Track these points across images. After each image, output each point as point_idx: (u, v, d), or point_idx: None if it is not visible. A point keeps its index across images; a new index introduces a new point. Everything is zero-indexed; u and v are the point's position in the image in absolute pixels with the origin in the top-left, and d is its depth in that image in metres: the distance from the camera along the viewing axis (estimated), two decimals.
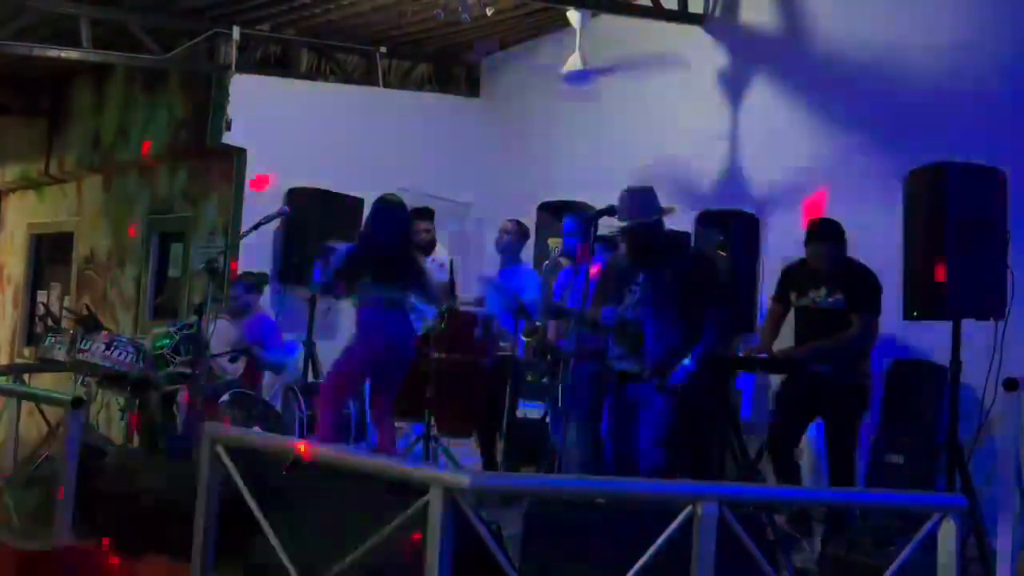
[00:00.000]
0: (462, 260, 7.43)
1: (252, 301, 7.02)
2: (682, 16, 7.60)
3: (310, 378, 7.01)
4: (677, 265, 4.81)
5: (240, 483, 3.47)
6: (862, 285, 5.17)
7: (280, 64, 8.59)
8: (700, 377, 4.74)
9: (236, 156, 8.22)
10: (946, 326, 4.86)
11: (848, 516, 4.89)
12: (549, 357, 5.60)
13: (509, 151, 8.98)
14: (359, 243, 5.71)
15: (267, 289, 7.25)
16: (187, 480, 3.81)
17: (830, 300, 5.20)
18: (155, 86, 9.25)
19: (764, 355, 5.52)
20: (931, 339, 5.27)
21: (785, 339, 5.53)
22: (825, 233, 5.31)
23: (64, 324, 6.91)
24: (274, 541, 3.44)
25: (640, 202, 4.78)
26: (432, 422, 6.30)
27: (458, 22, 7.39)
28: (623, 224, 4.81)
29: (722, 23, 7.51)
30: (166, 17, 8.07)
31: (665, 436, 4.72)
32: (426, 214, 7.00)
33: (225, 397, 5.95)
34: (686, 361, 4.67)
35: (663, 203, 4.97)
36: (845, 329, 5.13)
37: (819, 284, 5.24)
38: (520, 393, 6.18)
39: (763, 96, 7.14)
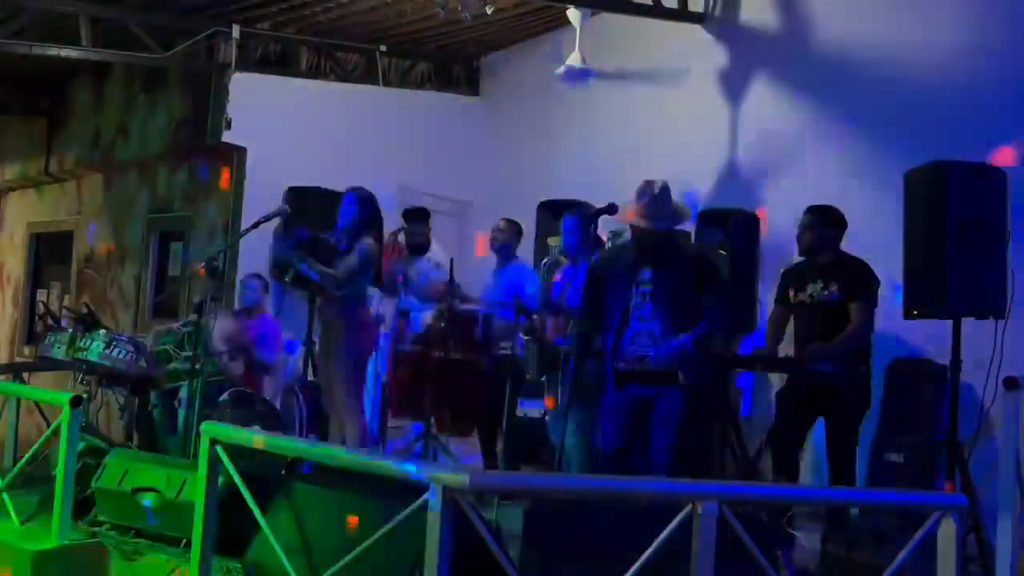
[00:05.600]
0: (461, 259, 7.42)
1: (262, 299, 7.06)
2: (682, 15, 7.61)
3: (309, 377, 6.99)
4: (685, 264, 4.79)
5: (240, 482, 3.46)
6: (857, 275, 5.20)
7: (280, 63, 8.59)
8: (701, 375, 4.71)
9: (236, 154, 8.23)
10: (946, 325, 4.86)
11: (847, 515, 4.89)
12: (548, 356, 5.59)
13: (509, 150, 8.99)
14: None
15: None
16: None
17: (826, 293, 5.22)
18: (155, 85, 9.24)
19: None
20: (931, 338, 5.27)
21: (789, 339, 5.54)
22: (816, 210, 5.35)
23: (64, 323, 6.89)
24: (273, 541, 3.44)
25: (661, 207, 4.73)
26: (432, 421, 6.30)
27: (458, 20, 7.39)
28: (641, 225, 4.75)
29: (722, 22, 7.52)
30: (166, 16, 8.07)
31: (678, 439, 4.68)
32: (420, 216, 6.99)
33: (225, 396, 5.94)
34: (682, 337, 4.61)
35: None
36: (842, 320, 5.14)
37: (816, 278, 5.26)
38: (520, 392, 6.18)
39: (763, 95, 7.14)
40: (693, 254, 5.09)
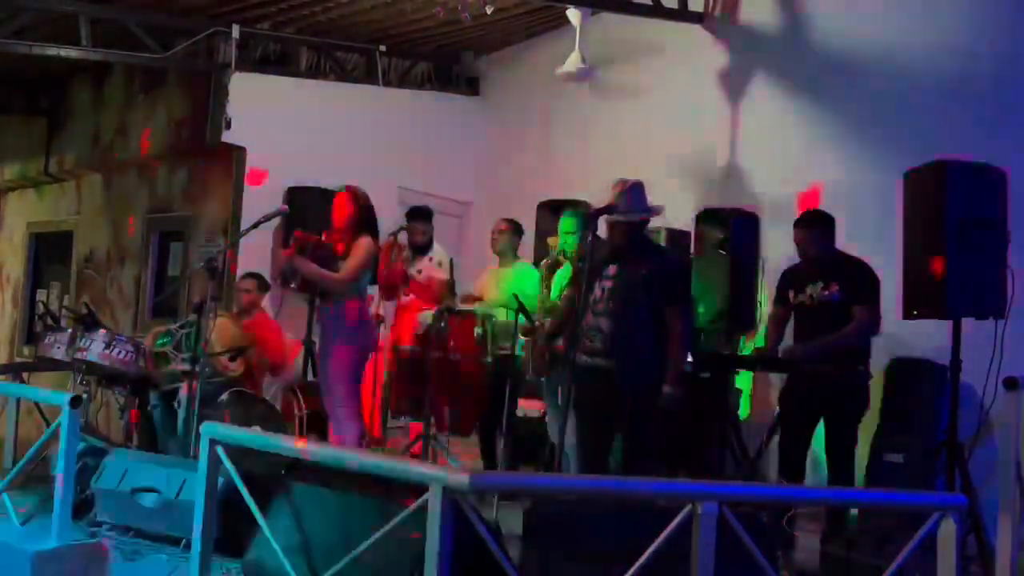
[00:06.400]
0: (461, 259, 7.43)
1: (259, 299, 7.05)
2: (682, 14, 7.61)
3: (310, 377, 7.00)
4: (650, 266, 4.79)
5: (239, 483, 3.46)
6: (858, 277, 5.19)
7: (280, 63, 8.59)
8: (700, 376, 4.72)
9: (236, 155, 8.22)
10: (946, 325, 4.86)
11: (847, 515, 4.89)
12: (547, 355, 5.58)
13: (508, 150, 8.99)
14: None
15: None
16: None
17: (826, 293, 5.22)
18: (154, 85, 9.24)
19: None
20: (931, 338, 5.27)
21: (788, 340, 5.53)
22: (806, 219, 5.38)
23: (64, 323, 6.89)
24: (273, 541, 3.44)
25: (632, 203, 4.78)
26: (432, 421, 6.30)
27: (458, 20, 7.39)
28: (610, 221, 4.80)
29: (722, 22, 7.52)
30: (165, 16, 8.07)
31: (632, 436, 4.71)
32: (423, 215, 6.99)
33: (224, 396, 5.94)
34: (667, 388, 4.64)
35: (657, 200, 4.97)
36: (843, 322, 5.14)
37: (815, 279, 5.26)
38: (520, 392, 6.18)
39: (763, 94, 7.15)
40: (662, 260, 4.99)
